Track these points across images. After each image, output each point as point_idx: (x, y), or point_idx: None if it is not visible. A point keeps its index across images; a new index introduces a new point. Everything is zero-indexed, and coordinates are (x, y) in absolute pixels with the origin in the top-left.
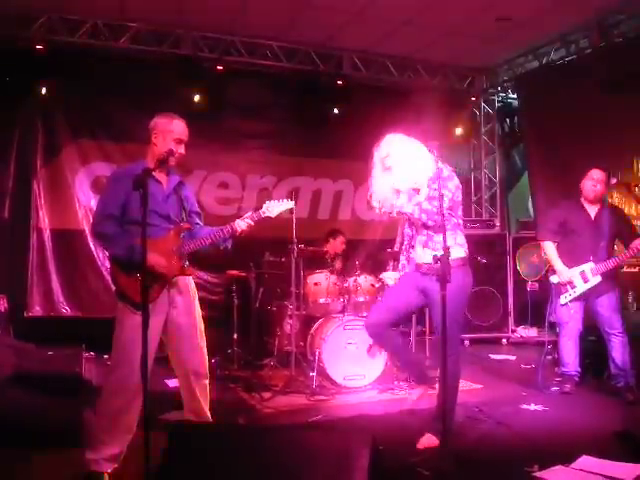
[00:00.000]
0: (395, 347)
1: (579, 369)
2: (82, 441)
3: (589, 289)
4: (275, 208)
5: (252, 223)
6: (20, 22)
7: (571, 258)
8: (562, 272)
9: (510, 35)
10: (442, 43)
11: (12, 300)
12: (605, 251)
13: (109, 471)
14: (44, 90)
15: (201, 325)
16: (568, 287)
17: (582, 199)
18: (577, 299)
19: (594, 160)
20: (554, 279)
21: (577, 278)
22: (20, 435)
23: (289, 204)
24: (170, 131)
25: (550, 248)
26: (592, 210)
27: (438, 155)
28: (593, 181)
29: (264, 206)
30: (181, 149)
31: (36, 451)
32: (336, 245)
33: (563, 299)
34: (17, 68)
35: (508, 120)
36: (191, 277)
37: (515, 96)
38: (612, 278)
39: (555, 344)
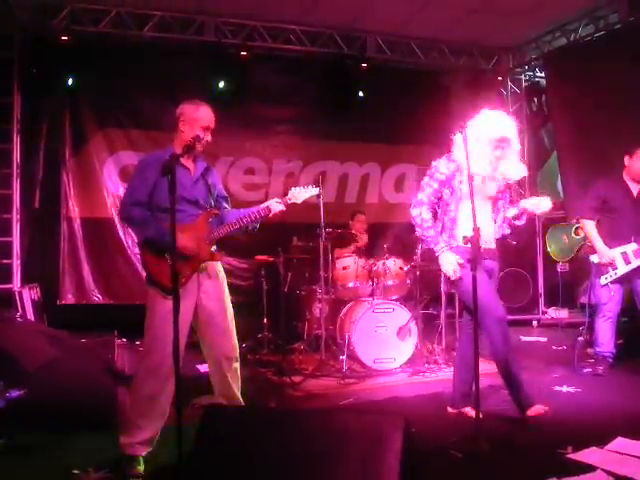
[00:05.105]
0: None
1: (614, 350)
2: (117, 425)
3: (631, 271)
4: (300, 194)
5: (284, 208)
6: (44, 14)
7: (612, 237)
8: (603, 252)
9: (536, 12)
10: (466, 22)
11: (45, 289)
12: None
13: (143, 454)
14: (70, 81)
15: (231, 309)
16: (609, 268)
17: (625, 174)
18: (618, 281)
19: (624, 138)
20: (594, 259)
21: (619, 259)
22: (57, 420)
23: (314, 191)
24: (197, 118)
25: (590, 227)
26: (635, 188)
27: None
28: None
29: (290, 193)
30: (208, 137)
31: (72, 435)
32: (355, 226)
33: (603, 280)
34: (43, 60)
35: (536, 99)
36: (220, 262)
37: (543, 74)
38: None
39: (587, 325)
